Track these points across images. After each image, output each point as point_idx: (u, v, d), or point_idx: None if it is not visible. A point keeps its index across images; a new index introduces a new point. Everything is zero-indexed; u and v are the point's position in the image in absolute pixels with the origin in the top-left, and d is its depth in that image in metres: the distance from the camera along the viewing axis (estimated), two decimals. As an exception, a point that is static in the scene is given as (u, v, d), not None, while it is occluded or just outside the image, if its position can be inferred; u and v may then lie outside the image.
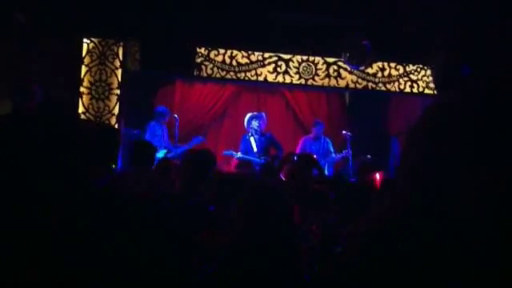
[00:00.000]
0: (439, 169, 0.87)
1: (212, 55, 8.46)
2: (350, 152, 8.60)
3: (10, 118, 1.57)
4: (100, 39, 7.90)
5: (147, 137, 8.23)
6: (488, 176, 0.81)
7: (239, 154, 8.35)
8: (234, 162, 8.56)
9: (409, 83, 8.91)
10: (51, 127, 1.48)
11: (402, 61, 8.81)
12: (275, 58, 8.62)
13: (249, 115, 8.62)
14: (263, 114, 8.74)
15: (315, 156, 8.51)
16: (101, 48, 7.90)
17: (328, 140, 8.87)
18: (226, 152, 8.53)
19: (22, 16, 7.20)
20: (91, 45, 7.90)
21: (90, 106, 7.87)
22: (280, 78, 8.67)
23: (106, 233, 1.41)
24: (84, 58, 7.88)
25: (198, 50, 8.35)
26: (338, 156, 8.72)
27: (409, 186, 0.93)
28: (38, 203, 1.37)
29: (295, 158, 7.34)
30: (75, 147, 1.50)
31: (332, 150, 8.81)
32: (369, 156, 8.09)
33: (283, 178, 6.94)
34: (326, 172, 8.43)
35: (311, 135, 8.97)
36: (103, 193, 1.59)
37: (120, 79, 7.96)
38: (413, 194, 0.91)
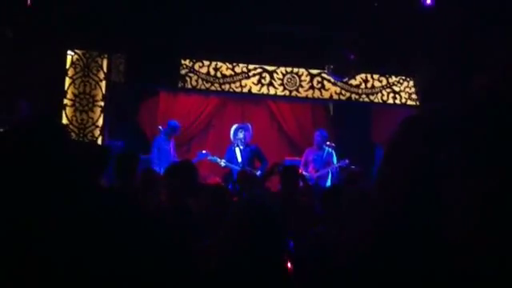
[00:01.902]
0: (420, 180, 0.88)
1: (196, 67, 8.47)
2: (347, 162, 8.60)
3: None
4: (84, 51, 7.87)
5: (154, 152, 8.38)
6: (475, 187, 0.83)
7: (223, 162, 8.41)
8: (219, 172, 8.59)
9: (392, 94, 9.00)
10: (37, 142, 1.48)
11: (385, 72, 8.91)
12: (260, 70, 8.67)
13: (235, 126, 8.69)
14: (249, 125, 8.80)
15: (314, 165, 8.60)
16: (85, 60, 7.87)
17: (331, 150, 8.83)
18: (211, 158, 8.59)
19: (10, 30, 7.15)
20: (75, 57, 7.87)
21: (74, 118, 7.82)
22: (264, 90, 8.71)
23: (90, 249, 1.41)
24: (68, 69, 7.84)
25: (182, 61, 8.36)
26: (335, 166, 8.68)
27: (388, 199, 0.94)
28: (25, 218, 1.37)
29: (280, 168, 7.38)
30: (62, 162, 1.50)
31: (334, 160, 8.78)
32: (353, 166, 8.15)
33: (269, 189, 6.96)
34: (328, 182, 8.46)
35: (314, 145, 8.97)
36: (89, 207, 1.59)
37: (104, 91, 7.92)
38: (392, 206, 0.93)
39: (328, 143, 8.92)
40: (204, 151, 8.81)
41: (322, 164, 8.62)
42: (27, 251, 1.32)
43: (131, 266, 1.42)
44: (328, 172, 8.63)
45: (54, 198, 1.39)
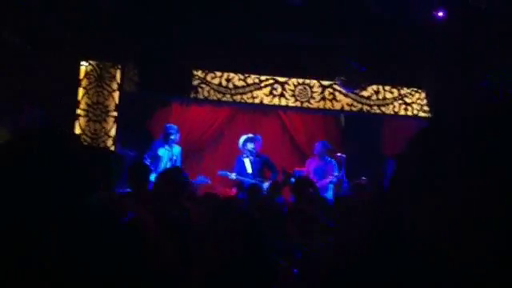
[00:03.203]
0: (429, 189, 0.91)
1: (209, 78, 8.53)
2: (338, 175, 8.59)
3: (12, 143, 1.60)
4: (98, 62, 7.96)
5: (146, 159, 7.82)
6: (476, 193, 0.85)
7: (234, 175, 8.39)
8: (232, 184, 8.60)
9: (403, 106, 8.99)
10: (52, 152, 1.50)
11: (397, 84, 8.91)
12: (271, 81, 8.71)
13: (244, 137, 8.68)
14: (259, 137, 8.81)
15: (314, 176, 8.58)
16: (98, 70, 7.96)
17: (332, 161, 8.83)
18: (221, 172, 8.56)
19: (23, 41, 7.23)
20: (89, 67, 7.96)
21: (87, 128, 7.90)
22: (276, 101, 8.75)
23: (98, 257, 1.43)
24: (82, 80, 7.93)
25: (194, 72, 8.42)
26: (334, 176, 8.66)
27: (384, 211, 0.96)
28: (36, 228, 1.39)
29: (292, 179, 7.40)
30: (75, 172, 1.53)
31: (335, 171, 8.76)
32: (363, 178, 8.13)
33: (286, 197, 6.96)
34: (330, 193, 8.43)
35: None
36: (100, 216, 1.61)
37: (117, 101, 8.00)
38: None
39: (339, 154, 8.92)
40: (202, 176, 8.52)
41: (323, 174, 8.60)
42: (28, 254, 1.35)
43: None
44: (329, 183, 8.62)
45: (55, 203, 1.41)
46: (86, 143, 7.71)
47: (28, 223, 1.37)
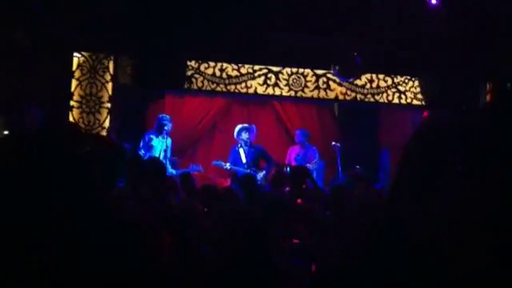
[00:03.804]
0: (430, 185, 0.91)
1: (202, 68, 8.50)
2: (315, 164, 8.64)
3: (11, 142, 1.58)
4: (90, 53, 7.91)
5: (142, 150, 7.92)
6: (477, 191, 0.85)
7: (228, 165, 8.42)
8: (227, 174, 8.61)
9: (397, 94, 9.01)
10: (51, 151, 1.49)
11: (390, 72, 8.91)
12: (265, 71, 8.69)
13: (239, 127, 8.71)
14: (253, 127, 8.83)
15: (294, 162, 8.64)
16: (91, 62, 7.92)
17: (313, 148, 8.94)
18: (216, 162, 8.59)
19: (17, 33, 7.18)
20: (82, 59, 7.91)
21: (81, 120, 7.87)
22: (270, 91, 8.73)
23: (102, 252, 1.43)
24: (74, 71, 7.88)
25: (188, 63, 8.38)
26: (314, 163, 8.71)
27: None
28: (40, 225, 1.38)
29: (287, 169, 7.41)
30: (75, 171, 1.52)
31: (315, 157, 8.85)
32: (358, 167, 8.14)
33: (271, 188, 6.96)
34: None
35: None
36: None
37: (110, 93, 7.96)
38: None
39: (333, 143, 8.96)
40: (196, 165, 8.50)
41: (303, 161, 8.67)
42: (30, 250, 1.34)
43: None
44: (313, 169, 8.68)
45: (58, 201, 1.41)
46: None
47: (28, 223, 1.36)
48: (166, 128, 8.04)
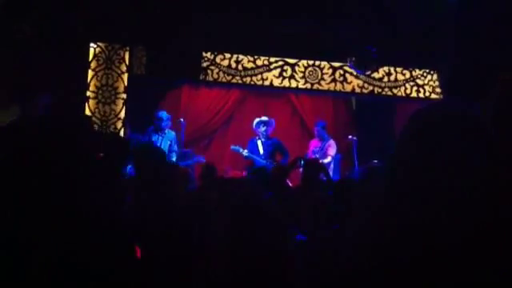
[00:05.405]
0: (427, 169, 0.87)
1: (218, 59, 8.47)
2: (334, 155, 8.66)
3: (19, 127, 1.57)
4: (106, 44, 7.93)
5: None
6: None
7: (246, 152, 8.49)
8: (242, 167, 8.63)
9: (415, 88, 8.88)
10: (60, 137, 1.48)
11: (409, 65, 8.80)
12: (281, 63, 8.63)
13: (257, 120, 8.74)
14: (272, 120, 8.87)
15: (314, 157, 8.58)
16: (107, 52, 7.94)
17: (330, 141, 8.88)
18: (234, 147, 8.66)
19: (28, 27, 7.21)
20: (98, 49, 7.94)
21: (97, 110, 7.91)
22: (286, 83, 8.68)
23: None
24: (90, 62, 7.91)
25: (203, 54, 8.36)
26: (324, 160, 8.65)
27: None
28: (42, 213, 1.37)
29: (301, 162, 7.35)
30: (84, 158, 1.50)
31: (330, 152, 8.79)
32: (375, 161, 8.06)
33: (290, 184, 6.94)
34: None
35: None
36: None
37: (126, 83, 7.98)
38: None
39: (350, 137, 8.90)
40: (198, 156, 8.61)
41: (322, 155, 8.63)
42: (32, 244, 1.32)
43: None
44: (329, 163, 8.61)
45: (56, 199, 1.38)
46: (96, 125, 7.73)
47: (28, 223, 1.34)
48: (162, 125, 8.08)
